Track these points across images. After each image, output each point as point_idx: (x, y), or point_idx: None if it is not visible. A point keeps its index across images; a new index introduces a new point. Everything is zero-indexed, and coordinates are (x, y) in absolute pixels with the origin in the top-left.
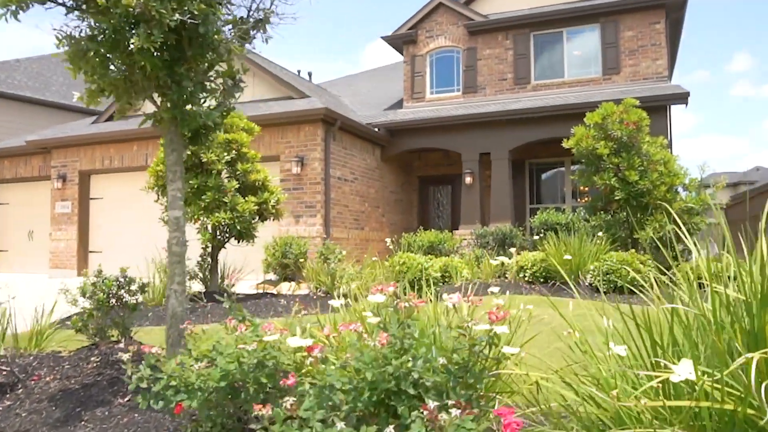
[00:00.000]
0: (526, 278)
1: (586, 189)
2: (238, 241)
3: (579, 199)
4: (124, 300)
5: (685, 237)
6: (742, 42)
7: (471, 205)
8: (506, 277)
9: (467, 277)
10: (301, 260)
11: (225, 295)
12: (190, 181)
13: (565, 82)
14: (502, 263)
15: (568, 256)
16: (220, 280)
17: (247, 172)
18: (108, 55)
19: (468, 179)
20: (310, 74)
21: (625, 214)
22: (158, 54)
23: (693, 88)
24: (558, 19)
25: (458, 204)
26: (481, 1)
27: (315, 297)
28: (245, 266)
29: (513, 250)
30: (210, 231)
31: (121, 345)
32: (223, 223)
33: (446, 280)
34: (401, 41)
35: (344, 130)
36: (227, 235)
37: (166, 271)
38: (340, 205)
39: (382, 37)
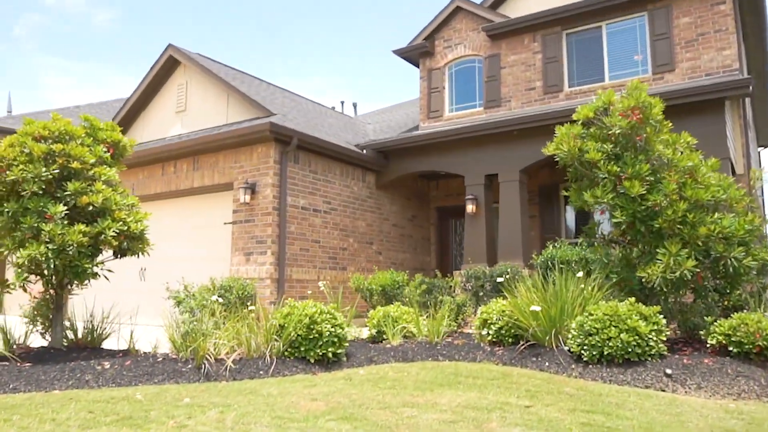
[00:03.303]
0: (490, 337)
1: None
2: (69, 284)
3: None
4: None
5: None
6: None
7: (475, 240)
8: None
9: (415, 333)
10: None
11: None
12: (4, 205)
13: (605, 86)
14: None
15: (535, 307)
16: (87, 332)
17: (79, 193)
18: None
19: (470, 207)
20: (354, 105)
21: (635, 246)
22: None
23: None
24: (595, 10)
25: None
26: (508, 5)
27: (160, 360)
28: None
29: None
30: (39, 270)
31: None
32: (44, 259)
33: (383, 338)
34: (417, 54)
35: (312, 152)
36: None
37: None
38: (306, 240)
39: (394, 51)
